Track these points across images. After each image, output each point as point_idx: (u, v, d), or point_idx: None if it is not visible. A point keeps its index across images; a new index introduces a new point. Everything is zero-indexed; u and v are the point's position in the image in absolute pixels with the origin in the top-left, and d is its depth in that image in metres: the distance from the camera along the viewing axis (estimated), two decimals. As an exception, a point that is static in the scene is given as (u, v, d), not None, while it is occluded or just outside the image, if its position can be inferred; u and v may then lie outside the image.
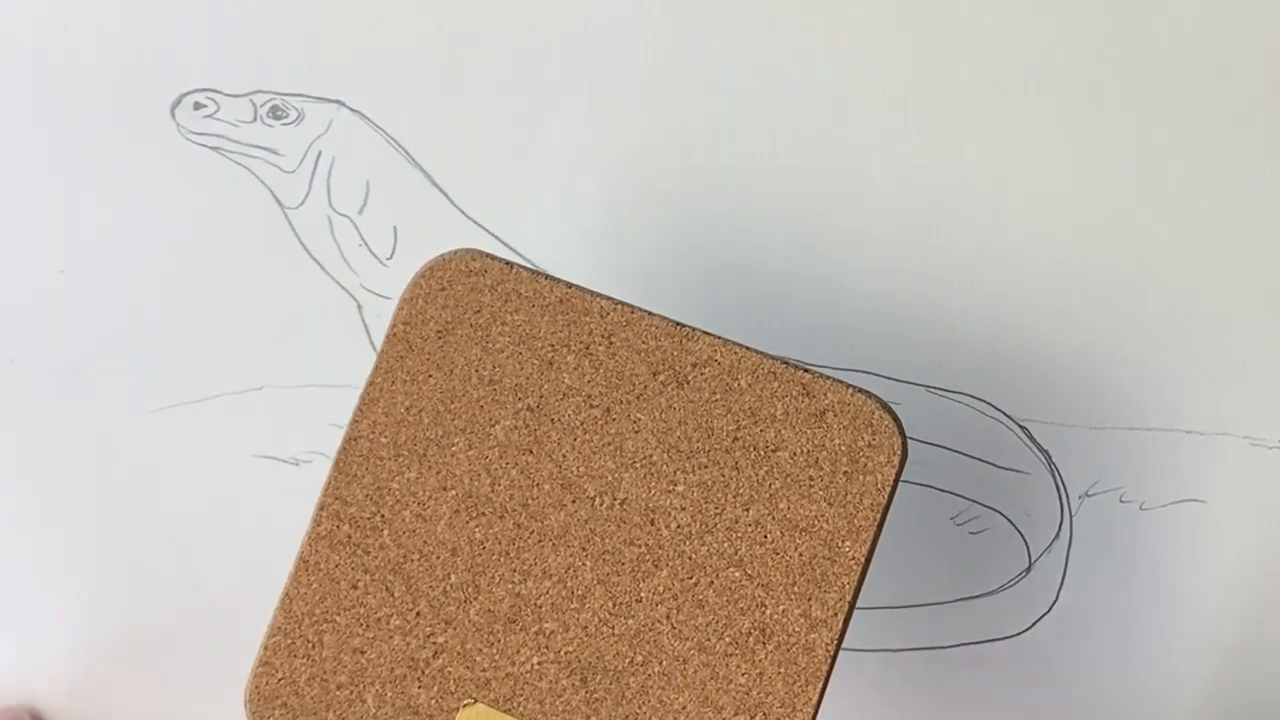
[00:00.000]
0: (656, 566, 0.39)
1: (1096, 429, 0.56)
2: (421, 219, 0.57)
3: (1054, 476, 0.56)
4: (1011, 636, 0.57)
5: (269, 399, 0.57)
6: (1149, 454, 0.56)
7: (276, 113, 0.57)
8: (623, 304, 0.41)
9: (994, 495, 0.56)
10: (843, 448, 0.40)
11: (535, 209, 0.57)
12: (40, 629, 0.58)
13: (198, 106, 0.57)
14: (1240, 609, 0.56)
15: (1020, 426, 0.56)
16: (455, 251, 0.42)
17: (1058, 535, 0.56)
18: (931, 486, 0.56)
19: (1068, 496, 0.56)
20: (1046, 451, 0.56)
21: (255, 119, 0.57)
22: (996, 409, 0.56)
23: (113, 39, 0.57)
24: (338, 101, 0.57)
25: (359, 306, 0.57)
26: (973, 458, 0.56)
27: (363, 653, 0.40)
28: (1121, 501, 0.56)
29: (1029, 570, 0.56)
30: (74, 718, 0.58)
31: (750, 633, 0.39)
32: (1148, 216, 0.55)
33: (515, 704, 0.39)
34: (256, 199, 0.57)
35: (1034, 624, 0.56)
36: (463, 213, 0.57)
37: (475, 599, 0.40)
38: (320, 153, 0.57)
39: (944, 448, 0.56)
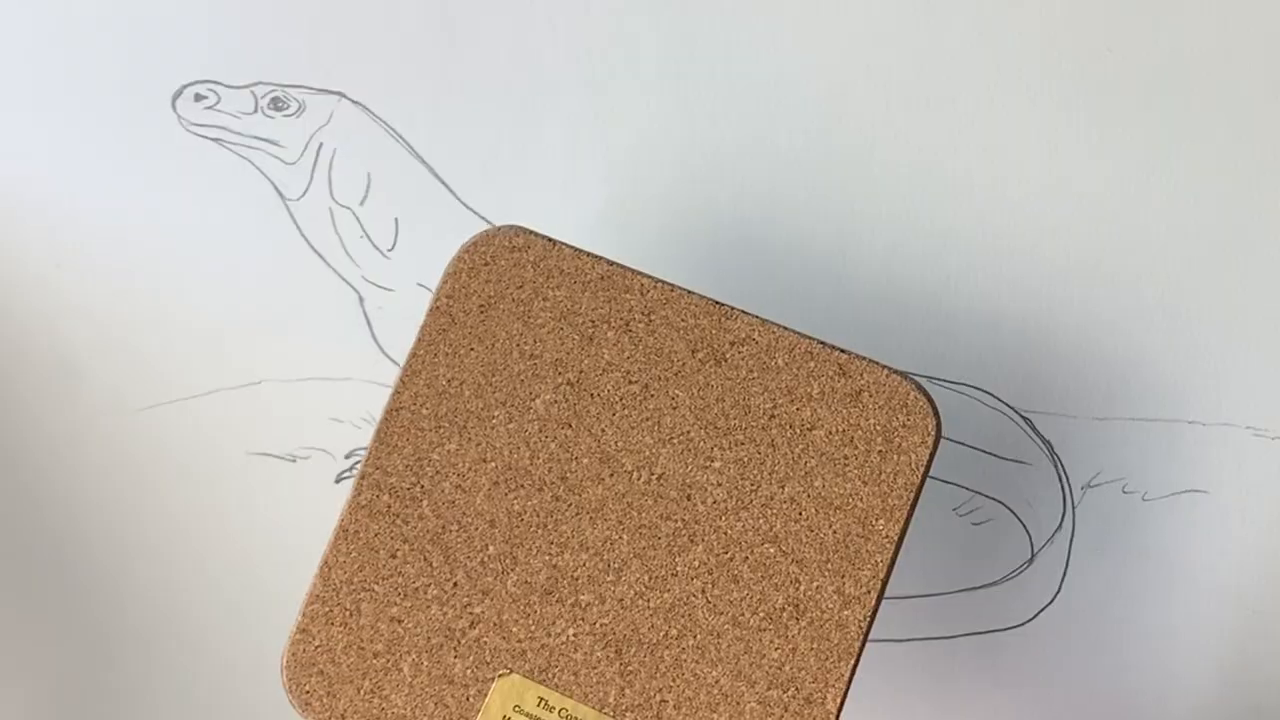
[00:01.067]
0: (692, 541, 0.40)
1: (1099, 419, 0.56)
2: (423, 211, 0.57)
3: (1057, 467, 0.56)
4: (1014, 627, 0.57)
5: (268, 394, 0.57)
6: (1151, 444, 0.56)
7: (277, 104, 0.56)
8: (663, 282, 0.41)
9: (997, 486, 0.57)
10: (877, 427, 0.40)
11: (537, 199, 0.57)
12: (38, 626, 0.57)
13: (198, 98, 0.57)
14: (1243, 599, 0.56)
15: (1023, 417, 0.56)
16: (499, 227, 0.42)
17: (1060, 526, 0.56)
18: (934, 477, 0.57)
19: (1070, 487, 0.56)
20: (1049, 442, 0.56)
21: (256, 110, 0.57)
22: (999, 400, 0.56)
23: (113, 30, 0.57)
24: (339, 93, 0.57)
25: (360, 298, 0.57)
26: (975, 448, 0.57)
27: (400, 622, 0.40)
28: (1124, 492, 0.56)
29: (1032, 561, 0.56)
30: (70, 716, 0.57)
31: (784, 608, 0.39)
32: (1151, 207, 0.56)
33: (550, 675, 0.39)
34: (257, 191, 0.57)
35: (1037, 614, 0.57)
36: (464, 204, 0.57)
37: (512, 570, 0.40)
38: (321, 144, 0.57)
39: (947, 439, 0.56)
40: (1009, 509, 0.57)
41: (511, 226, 0.42)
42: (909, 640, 0.57)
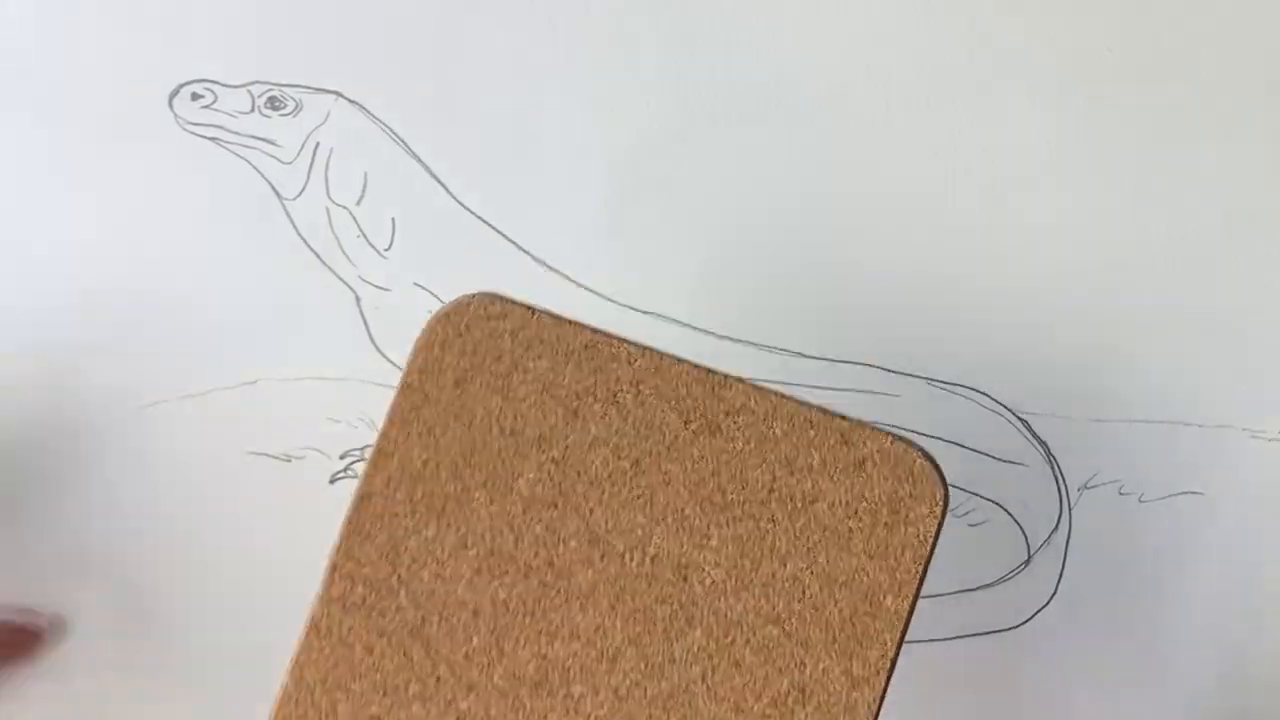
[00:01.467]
0: (690, 625, 0.38)
1: (1096, 421, 0.56)
2: (420, 210, 0.56)
3: (1053, 469, 0.56)
4: (1011, 629, 0.57)
5: (265, 393, 0.56)
6: (1148, 446, 0.56)
7: (274, 103, 0.56)
8: (651, 350, 0.39)
9: (993, 487, 0.57)
10: (883, 498, 0.39)
11: (534, 199, 0.56)
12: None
13: (195, 97, 0.56)
14: (1239, 600, 0.57)
15: (1019, 419, 0.56)
16: (473, 295, 0.40)
17: (1057, 527, 0.56)
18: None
19: (1067, 489, 0.56)
20: (1045, 444, 0.56)
21: (253, 110, 0.56)
22: (996, 401, 0.56)
23: (110, 29, 0.56)
24: (336, 92, 0.56)
25: (357, 298, 0.57)
26: (972, 450, 0.56)
27: None
28: (1121, 494, 0.56)
29: (1028, 562, 0.57)
30: (69, 715, 0.57)
31: (789, 693, 0.38)
32: (1149, 209, 0.55)
33: (542, 772, 0.38)
34: (254, 190, 0.56)
35: (1033, 616, 0.57)
36: (461, 204, 0.56)
37: (499, 662, 0.38)
38: (318, 144, 0.56)
39: (944, 440, 0.56)
40: (1005, 510, 0.57)
41: (486, 294, 0.40)
42: (905, 642, 0.57)
